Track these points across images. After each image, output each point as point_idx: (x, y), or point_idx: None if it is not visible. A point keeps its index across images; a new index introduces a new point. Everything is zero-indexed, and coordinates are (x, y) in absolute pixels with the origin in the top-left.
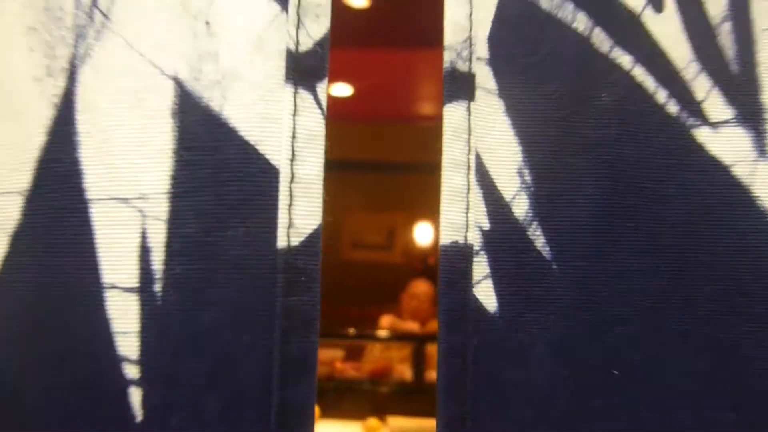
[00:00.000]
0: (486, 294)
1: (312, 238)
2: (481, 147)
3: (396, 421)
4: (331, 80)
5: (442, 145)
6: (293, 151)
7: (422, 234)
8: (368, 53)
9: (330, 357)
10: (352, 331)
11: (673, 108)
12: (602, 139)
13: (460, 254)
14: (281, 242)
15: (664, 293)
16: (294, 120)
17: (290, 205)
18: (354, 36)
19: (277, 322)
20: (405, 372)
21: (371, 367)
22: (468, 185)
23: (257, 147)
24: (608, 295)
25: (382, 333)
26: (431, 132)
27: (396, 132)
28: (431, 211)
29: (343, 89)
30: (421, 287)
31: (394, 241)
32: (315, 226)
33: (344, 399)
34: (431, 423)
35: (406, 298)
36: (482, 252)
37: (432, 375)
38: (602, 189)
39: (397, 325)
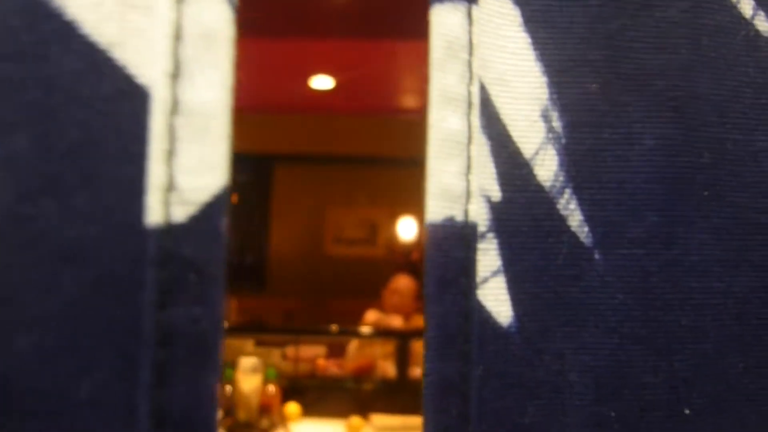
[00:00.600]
0: (496, 299)
1: (210, 211)
2: (489, 76)
3: (379, 419)
4: (314, 72)
5: (429, 71)
6: (177, 62)
7: (405, 228)
8: (350, 44)
9: (312, 354)
10: (334, 327)
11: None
12: (666, 67)
13: (457, 238)
14: (154, 216)
15: (757, 296)
16: (179, 9)
17: (171, 152)
18: (334, 26)
19: (143, 353)
20: (388, 369)
21: (354, 365)
22: (469, 132)
23: (112, 54)
24: (676, 299)
25: (365, 330)
26: (415, 125)
27: (378, 125)
28: (414, 205)
29: (325, 82)
30: (402, 282)
31: (376, 236)
32: (215, 190)
33: (327, 397)
34: (415, 421)
35: (388, 293)
36: (490, 235)
37: (416, 371)
38: (667, 141)
39: (382, 320)
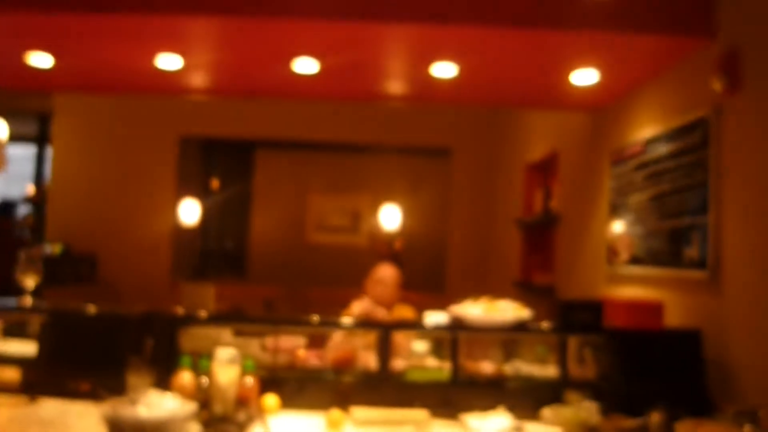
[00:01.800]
0: None
1: None
2: None
3: (360, 412)
4: (296, 56)
5: None
6: None
7: (388, 216)
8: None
9: (292, 345)
10: (315, 318)
11: None
12: None
13: None
14: None
15: None
16: None
17: None
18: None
19: None
20: (370, 360)
21: (335, 356)
22: None
23: None
24: None
25: (346, 321)
26: (397, 111)
27: (361, 112)
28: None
29: (310, 65)
30: (386, 272)
31: (358, 224)
32: None
33: (306, 389)
34: (397, 414)
35: (371, 283)
36: None
37: (398, 364)
38: None
39: (368, 311)
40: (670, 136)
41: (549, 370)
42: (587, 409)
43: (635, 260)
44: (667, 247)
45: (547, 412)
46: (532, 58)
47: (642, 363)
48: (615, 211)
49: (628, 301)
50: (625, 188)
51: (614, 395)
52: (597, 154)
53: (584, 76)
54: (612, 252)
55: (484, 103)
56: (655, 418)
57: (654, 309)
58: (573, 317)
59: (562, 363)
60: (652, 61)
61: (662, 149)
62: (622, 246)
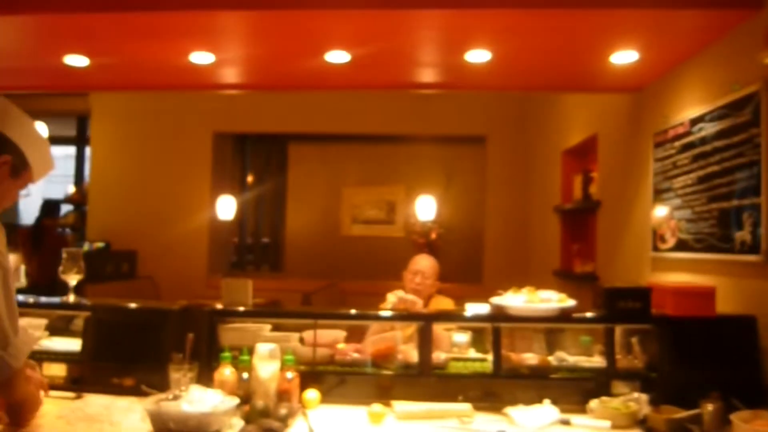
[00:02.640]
0: None
1: None
2: None
3: (402, 406)
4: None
5: None
6: None
7: (423, 207)
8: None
9: (332, 338)
10: (354, 311)
11: None
12: None
13: None
14: None
15: None
16: None
17: None
18: None
19: None
20: (410, 353)
21: (374, 349)
22: None
23: None
24: None
25: (385, 313)
26: (430, 100)
27: (394, 102)
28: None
29: (342, 56)
30: (424, 262)
31: (394, 215)
32: None
33: (346, 383)
34: (438, 407)
35: (408, 274)
36: None
37: (439, 356)
38: None
39: (406, 303)
40: (717, 114)
41: (594, 361)
42: (636, 401)
43: (682, 245)
44: (716, 230)
45: (594, 404)
46: (569, 39)
47: (693, 351)
48: (659, 194)
49: (678, 287)
50: (669, 171)
51: (664, 385)
52: (638, 136)
53: (624, 56)
54: (657, 237)
55: (519, 88)
56: (709, 408)
57: (705, 295)
58: (619, 305)
59: (609, 353)
60: (695, 36)
61: (709, 128)
62: (668, 231)
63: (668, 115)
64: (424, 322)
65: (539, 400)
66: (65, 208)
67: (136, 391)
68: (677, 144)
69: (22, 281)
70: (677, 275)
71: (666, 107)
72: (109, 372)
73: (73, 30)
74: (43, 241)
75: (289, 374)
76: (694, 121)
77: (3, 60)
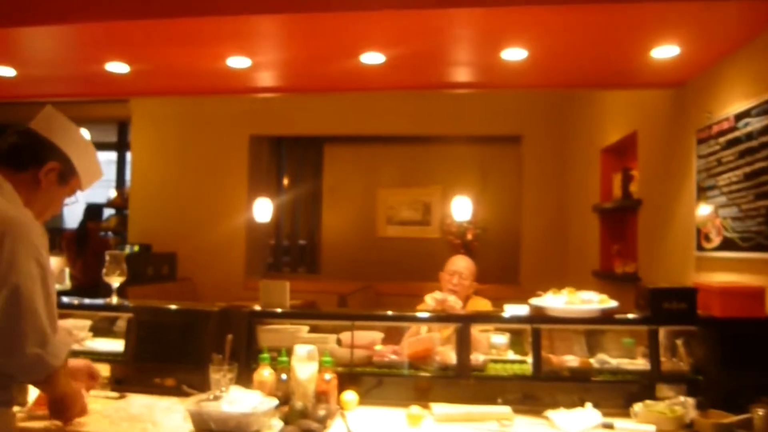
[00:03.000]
0: None
1: None
2: None
3: (441, 409)
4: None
5: None
6: None
7: (459, 208)
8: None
9: (369, 340)
10: (392, 312)
11: None
12: None
13: None
14: None
15: None
16: None
17: None
18: None
19: None
20: (447, 355)
21: (412, 351)
22: None
23: None
24: None
25: (423, 314)
26: (464, 100)
27: (428, 102)
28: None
29: (377, 57)
30: (461, 263)
31: (430, 216)
32: None
33: (384, 384)
34: (477, 410)
35: (446, 275)
36: None
37: (477, 358)
38: None
39: (443, 304)
40: (764, 108)
41: (637, 363)
42: (682, 405)
43: (728, 244)
44: (764, 228)
45: (638, 407)
46: (608, 35)
47: (742, 353)
48: (703, 192)
49: (725, 287)
50: (713, 168)
51: (711, 389)
52: (680, 132)
53: (665, 51)
54: (701, 236)
55: (556, 86)
56: (759, 413)
57: (754, 295)
58: (664, 306)
59: (653, 355)
60: (739, 28)
61: (756, 123)
62: (713, 229)
63: (712, 110)
64: (462, 324)
65: (581, 404)
66: (107, 212)
67: (177, 392)
68: (722, 140)
69: (67, 283)
70: (723, 275)
71: (709, 102)
72: (151, 372)
73: (113, 38)
74: (87, 244)
75: (327, 375)
76: (740, 117)
77: (48, 69)
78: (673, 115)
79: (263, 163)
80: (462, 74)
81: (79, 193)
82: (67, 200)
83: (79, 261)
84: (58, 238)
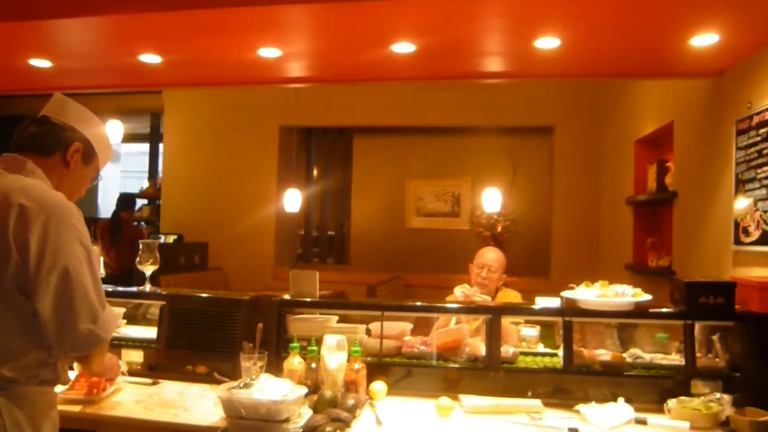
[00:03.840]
0: None
1: None
2: None
3: (470, 400)
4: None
5: None
6: None
7: (489, 199)
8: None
9: (399, 330)
10: (421, 303)
11: None
12: None
13: None
14: None
15: None
16: None
17: None
18: None
19: None
20: (476, 346)
21: (441, 342)
22: None
23: None
24: None
25: (452, 306)
26: (495, 91)
27: (457, 93)
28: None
29: (408, 47)
30: (491, 255)
31: (459, 208)
32: None
33: (412, 375)
34: (507, 402)
35: (475, 267)
36: None
37: (507, 351)
38: None
39: (472, 296)
40: None
41: (671, 359)
42: (718, 402)
43: (767, 238)
44: None
45: (672, 403)
46: (644, 23)
47: None
48: (742, 184)
49: (765, 282)
50: (754, 159)
51: (748, 386)
52: (719, 123)
53: (703, 39)
54: (739, 230)
55: (591, 75)
56: None
57: None
58: (701, 300)
59: (689, 350)
60: None
61: None
62: (752, 223)
63: (752, 100)
64: (493, 315)
65: (613, 398)
66: (140, 203)
67: (208, 379)
68: (762, 131)
69: (102, 272)
70: (762, 270)
71: (750, 92)
72: (183, 359)
73: (146, 29)
74: (120, 233)
75: (357, 365)
76: None
77: (82, 60)
78: (711, 105)
79: (293, 153)
80: (494, 64)
81: (109, 181)
82: (92, 181)
83: (113, 250)
84: (93, 226)
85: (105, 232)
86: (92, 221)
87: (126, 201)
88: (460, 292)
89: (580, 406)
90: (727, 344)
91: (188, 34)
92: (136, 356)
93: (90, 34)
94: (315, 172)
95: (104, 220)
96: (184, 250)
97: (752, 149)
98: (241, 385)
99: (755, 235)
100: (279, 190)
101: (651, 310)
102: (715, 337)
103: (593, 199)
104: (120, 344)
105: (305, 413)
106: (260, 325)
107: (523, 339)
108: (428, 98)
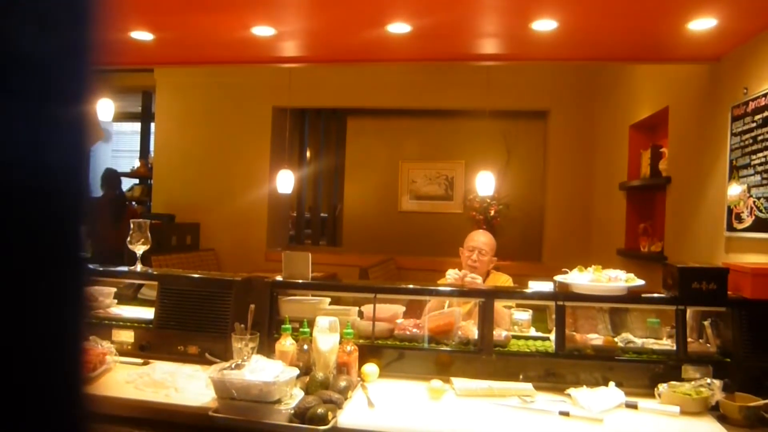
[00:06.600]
0: None
1: None
2: None
3: (461, 383)
4: (390, 18)
5: None
6: None
7: (483, 183)
8: None
9: (391, 313)
10: (413, 286)
11: None
12: None
13: None
14: None
15: None
16: None
17: None
18: None
19: None
20: (468, 330)
21: (433, 325)
22: None
23: None
24: None
25: (445, 288)
26: (490, 74)
27: (452, 76)
28: (491, 160)
29: (403, 27)
30: (482, 239)
31: (452, 191)
32: None
33: (404, 357)
34: (498, 385)
35: (465, 251)
36: None
37: (499, 334)
38: None
39: (463, 279)
40: None
41: (663, 344)
42: (708, 387)
43: (760, 224)
44: None
45: (662, 388)
46: (642, 6)
47: None
48: (736, 171)
49: (757, 269)
50: (748, 146)
51: (739, 372)
52: (714, 109)
53: (701, 23)
54: (732, 216)
55: (587, 58)
56: None
57: None
58: (693, 286)
59: (680, 335)
60: None
61: None
62: (745, 209)
63: (749, 86)
64: (485, 299)
65: (604, 383)
66: (132, 182)
67: (199, 359)
68: (758, 117)
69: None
70: (754, 256)
71: (746, 78)
72: (174, 340)
73: (138, 4)
74: (126, 212)
75: (349, 347)
76: None
77: None
78: (707, 90)
79: (286, 134)
80: (490, 46)
81: (98, 161)
82: None
83: (115, 230)
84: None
85: (104, 210)
86: None
87: (115, 180)
88: (451, 276)
89: (572, 390)
90: (719, 330)
91: (181, 11)
92: (127, 336)
93: None
94: (308, 154)
95: (101, 198)
96: (175, 231)
97: (747, 135)
98: (233, 366)
99: (748, 221)
100: (272, 171)
101: (643, 295)
102: (706, 323)
103: (587, 184)
104: (111, 324)
105: (297, 395)
106: (252, 306)
107: (515, 323)
108: (423, 81)
